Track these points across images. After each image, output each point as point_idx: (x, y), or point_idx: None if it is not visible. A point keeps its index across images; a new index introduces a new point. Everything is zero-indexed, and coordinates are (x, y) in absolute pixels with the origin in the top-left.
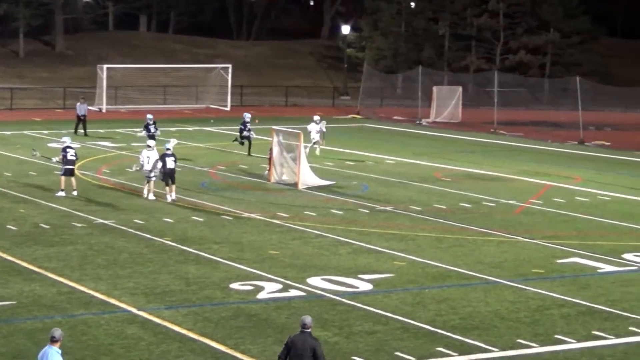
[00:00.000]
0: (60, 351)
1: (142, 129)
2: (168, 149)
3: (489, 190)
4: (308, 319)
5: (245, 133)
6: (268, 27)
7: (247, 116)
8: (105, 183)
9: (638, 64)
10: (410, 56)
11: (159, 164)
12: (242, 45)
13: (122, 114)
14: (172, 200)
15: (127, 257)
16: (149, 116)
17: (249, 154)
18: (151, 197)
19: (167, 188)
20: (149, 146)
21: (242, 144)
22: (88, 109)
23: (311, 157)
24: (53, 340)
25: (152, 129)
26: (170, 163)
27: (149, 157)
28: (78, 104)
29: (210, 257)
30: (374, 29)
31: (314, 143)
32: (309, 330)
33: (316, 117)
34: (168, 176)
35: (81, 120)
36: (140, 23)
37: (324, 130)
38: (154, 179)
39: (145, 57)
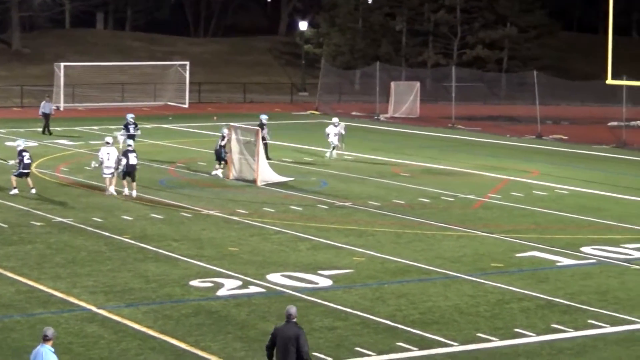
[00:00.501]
0: (53, 349)
1: (121, 128)
2: (130, 145)
3: (448, 185)
4: (293, 309)
5: (264, 133)
6: (225, 23)
7: (264, 118)
8: (63, 181)
9: (594, 57)
10: (367, 52)
11: (123, 160)
12: (199, 42)
13: (79, 112)
14: (133, 197)
15: (86, 256)
16: (130, 115)
17: (267, 157)
18: (112, 190)
19: (127, 185)
20: (107, 143)
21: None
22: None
23: (333, 160)
24: (46, 339)
25: (132, 129)
26: (132, 159)
27: (108, 154)
28: (43, 102)
29: (170, 255)
30: (331, 25)
31: (333, 148)
32: (294, 320)
33: (335, 119)
34: (129, 173)
35: (47, 119)
36: (97, 20)
37: (343, 133)
38: (115, 174)
39: (103, 54)
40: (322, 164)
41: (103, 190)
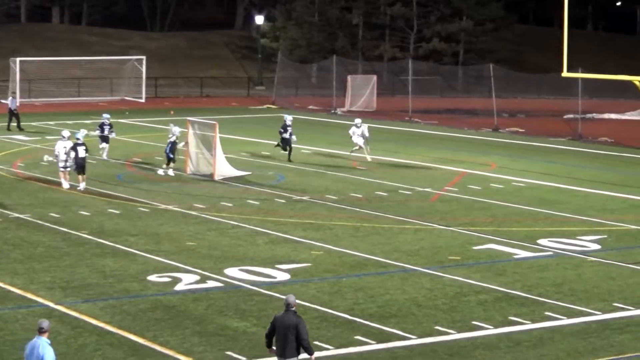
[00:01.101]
0: (49, 341)
1: (96, 128)
2: (78, 139)
3: (405, 179)
4: (292, 298)
5: (285, 136)
6: (182, 18)
7: (289, 118)
8: (20, 177)
9: (549, 50)
10: (324, 46)
11: (72, 154)
12: (156, 36)
13: (36, 107)
14: (81, 190)
15: (43, 251)
16: (106, 115)
17: (289, 159)
18: (66, 185)
19: (79, 177)
20: (63, 137)
21: (285, 149)
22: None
23: (358, 163)
24: (41, 331)
25: (106, 129)
26: (81, 152)
27: (65, 148)
28: (10, 98)
29: (127, 250)
30: (287, 19)
31: (357, 149)
32: (293, 309)
33: (357, 120)
34: (79, 166)
35: (14, 115)
36: (53, 15)
37: (367, 135)
38: (69, 169)
39: (59, 49)
40: (279, 158)
41: (60, 185)
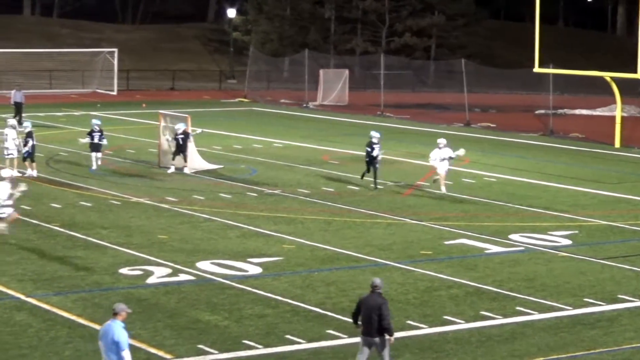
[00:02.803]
0: (123, 324)
1: (86, 135)
2: (27, 127)
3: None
4: (378, 280)
5: (375, 152)
6: (153, 10)
7: (376, 135)
8: None
9: (520, 46)
10: (296, 39)
11: (30, 142)
12: (127, 29)
13: (6, 99)
14: (34, 176)
15: (14, 244)
16: (95, 122)
17: (375, 187)
18: (15, 173)
19: (29, 165)
20: (11, 125)
21: (369, 169)
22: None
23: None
24: (115, 314)
25: (96, 137)
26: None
27: (7, 135)
28: (13, 91)
29: (99, 242)
30: (259, 12)
31: (437, 178)
32: (379, 290)
33: (440, 141)
34: (31, 154)
35: (19, 107)
36: (24, 6)
37: (453, 156)
38: (16, 156)
39: (30, 41)
40: (251, 152)
41: (30, 177)
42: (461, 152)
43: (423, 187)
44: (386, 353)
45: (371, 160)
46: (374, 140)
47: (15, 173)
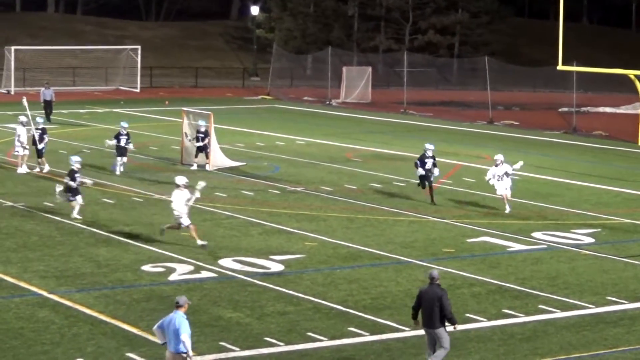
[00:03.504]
0: (185, 316)
1: (112, 137)
2: (39, 123)
3: (399, 170)
4: (435, 272)
5: (428, 166)
6: (176, 8)
7: (430, 148)
8: (14, 165)
9: (544, 43)
10: (319, 37)
11: (46, 138)
12: (151, 26)
13: (31, 95)
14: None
15: (37, 240)
16: (124, 124)
17: (432, 202)
18: (24, 168)
19: (42, 160)
20: (22, 123)
21: (424, 187)
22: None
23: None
24: (178, 306)
25: (123, 140)
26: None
27: (19, 135)
28: (42, 89)
29: (121, 239)
30: (283, 10)
31: (500, 198)
32: (437, 282)
33: (497, 157)
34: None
35: (48, 105)
36: (48, 4)
37: (510, 172)
38: (26, 152)
39: (54, 38)
40: (274, 149)
41: (49, 173)
42: (519, 165)
43: (446, 184)
44: (446, 344)
45: (425, 175)
46: (428, 154)
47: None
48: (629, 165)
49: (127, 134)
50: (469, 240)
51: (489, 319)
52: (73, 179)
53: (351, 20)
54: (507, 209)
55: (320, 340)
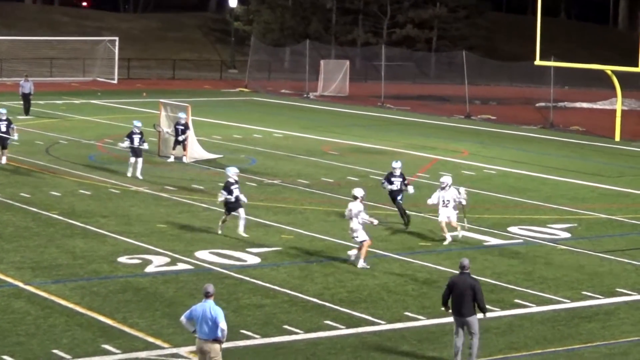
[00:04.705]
0: (214, 304)
1: (125, 138)
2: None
3: (376, 164)
4: (466, 261)
5: (396, 186)
6: None
7: (397, 167)
8: None
9: (521, 38)
10: (297, 30)
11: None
12: (128, 17)
13: (7, 86)
14: (2, 164)
15: (13, 231)
16: (137, 123)
17: (405, 223)
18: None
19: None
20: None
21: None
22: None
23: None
24: (208, 295)
25: (136, 140)
26: (3, 127)
27: None
28: (22, 81)
29: (98, 231)
30: (261, 2)
31: (451, 229)
32: (467, 271)
33: (444, 180)
34: (1, 140)
35: (26, 98)
36: None
37: (462, 200)
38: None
39: (31, 29)
40: (251, 141)
41: (30, 165)
42: (463, 193)
43: (422, 178)
44: (476, 329)
45: (393, 195)
46: (396, 172)
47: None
48: (606, 161)
49: (141, 133)
50: (445, 234)
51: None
52: (230, 192)
53: (329, 14)
54: (448, 239)
55: (296, 333)
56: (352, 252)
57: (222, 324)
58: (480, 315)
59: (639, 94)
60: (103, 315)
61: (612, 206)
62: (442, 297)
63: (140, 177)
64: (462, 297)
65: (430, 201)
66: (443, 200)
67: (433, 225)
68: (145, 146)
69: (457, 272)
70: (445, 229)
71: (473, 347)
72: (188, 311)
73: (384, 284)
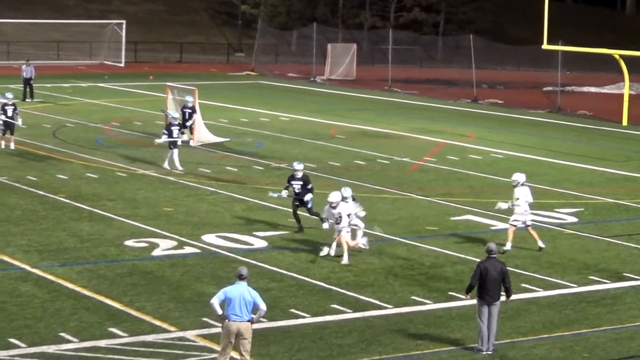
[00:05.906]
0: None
1: (163, 131)
2: (8, 98)
3: (383, 148)
4: (493, 245)
5: (297, 189)
6: None
7: (299, 169)
8: None
9: (528, 22)
10: (304, 13)
11: (2, 116)
12: (136, 1)
13: (14, 69)
14: (12, 150)
15: (20, 214)
16: (173, 114)
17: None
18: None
19: (8, 137)
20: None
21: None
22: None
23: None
24: (241, 277)
25: (175, 131)
26: (9, 112)
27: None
28: (23, 66)
29: (105, 214)
30: None
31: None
32: (495, 255)
33: (344, 190)
34: (8, 126)
35: (28, 83)
36: None
37: (361, 215)
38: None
39: (38, 12)
40: (258, 125)
41: (36, 148)
42: (362, 213)
43: (429, 162)
44: (496, 312)
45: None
46: (298, 175)
47: None
48: (613, 145)
49: (178, 124)
50: (452, 218)
51: (472, 297)
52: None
53: None
54: (345, 260)
55: (303, 317)
56: (330, 248)
57: (262, 305)
58: (503, 299)
59: None
60: (110, 299)
61: (619, 190)
62: (470, 282)
63: (181, 168)
64: (494, 282)
65: (323, 215)
66: (336, 214)
67: (441, 209)
68: (185, 137)
69: (476, 257)
70: (347, 249)
71: (493, 330)
72: (221, 293)
73: (391, 268)
